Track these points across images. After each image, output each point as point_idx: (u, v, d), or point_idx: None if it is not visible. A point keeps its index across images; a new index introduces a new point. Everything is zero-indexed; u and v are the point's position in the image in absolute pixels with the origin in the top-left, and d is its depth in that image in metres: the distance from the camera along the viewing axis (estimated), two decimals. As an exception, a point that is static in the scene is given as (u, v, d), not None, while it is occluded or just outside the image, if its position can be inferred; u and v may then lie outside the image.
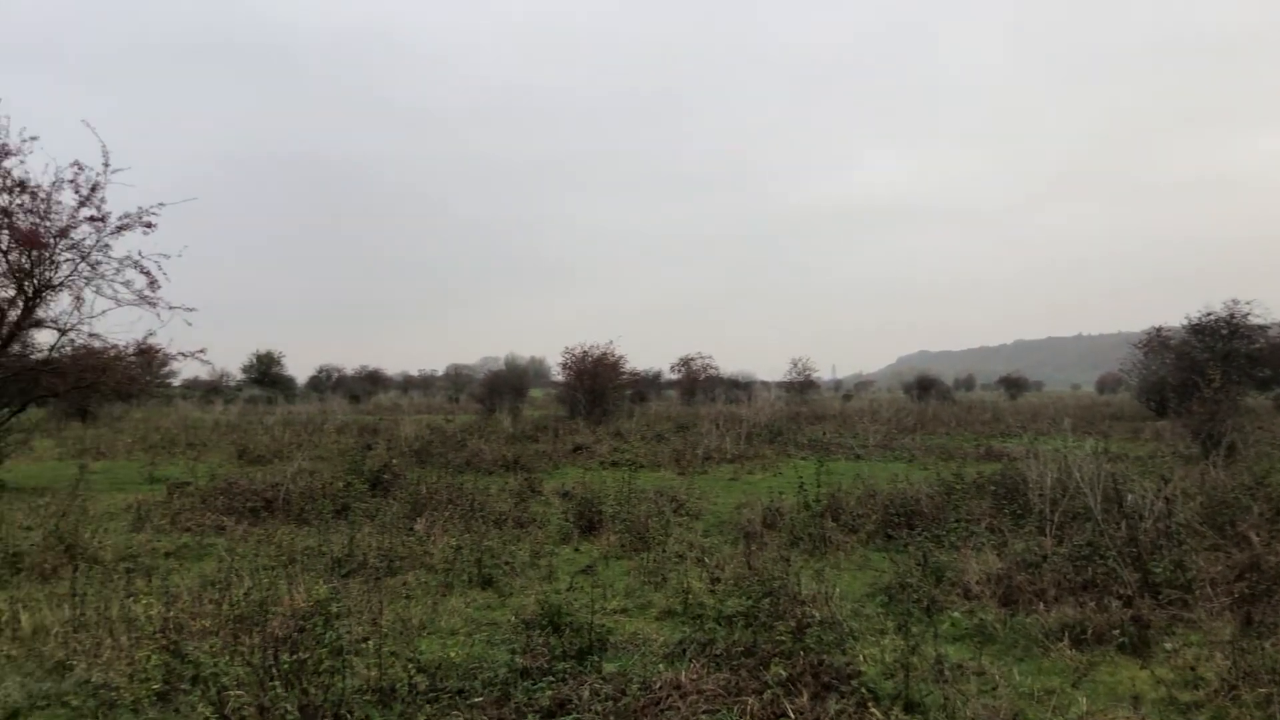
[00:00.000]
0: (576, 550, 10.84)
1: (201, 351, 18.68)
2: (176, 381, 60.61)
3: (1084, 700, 5.61)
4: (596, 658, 6.45)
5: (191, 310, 17.65)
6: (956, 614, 7.64)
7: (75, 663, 6.22)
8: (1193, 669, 5.98)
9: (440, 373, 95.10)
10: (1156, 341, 35.23)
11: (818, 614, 7.08)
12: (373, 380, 76.41)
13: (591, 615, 7.00)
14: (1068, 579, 8.15)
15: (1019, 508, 11.08)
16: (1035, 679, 6.13)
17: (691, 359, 54.87)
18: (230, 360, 72.01)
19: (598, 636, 6.79)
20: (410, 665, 5.83)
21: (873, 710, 5.40)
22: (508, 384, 47.29)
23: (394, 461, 16.73)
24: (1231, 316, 32.07)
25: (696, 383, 54.61)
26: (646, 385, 54.50)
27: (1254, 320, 31.89)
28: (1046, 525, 10.11)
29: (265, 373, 66.56)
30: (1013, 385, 76.69)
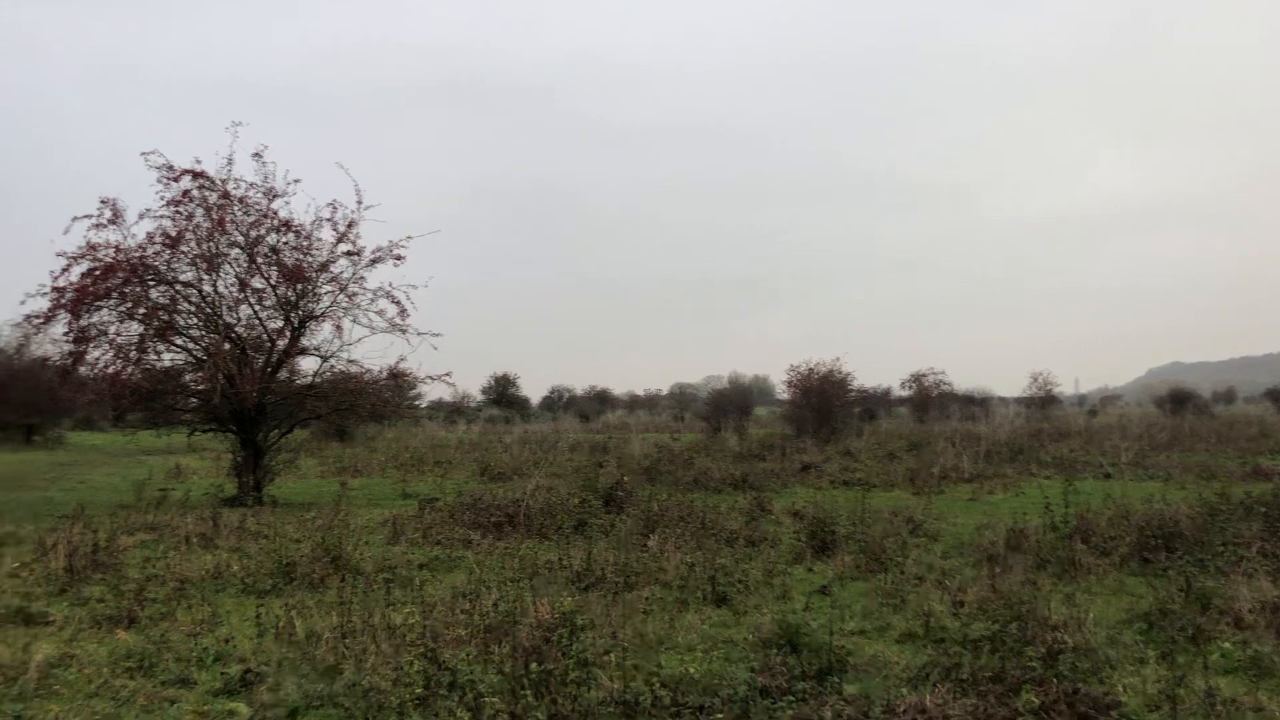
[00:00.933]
0: (810, 570, 10.74)
1: (448, 375, 19.92)
2: (423, 403, 64.28)
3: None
4: (836, 679, 6.38)
5: (438, 336, 18.80)
6: (1227, 644, 7.07)
7: (344, 666, 6.69)
8: None
9: (665, 392, 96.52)
10: None
11: (1070, 640, 6.74)
12: (601, 400, 78.51)
13: (830, 636, 6.92)
14: (1359, 610, 7.40)
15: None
16: (1324, 719, 5.59)
17: (923, 375, 53.47)
18: (470, 382, 75.69)
19: (836, 657, 6.71)
20: (653, 679, 5.95)
21: (1137, 744, 5.09)
22: (732, 402, 47.51)
23: (625, 479, 17.13)
24: None
25: (929, 399, 53.06)
26: (875, 402, 53.38)
27: None
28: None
29: (503, 394, 69.69)
30: (1281, 398, 70.15)
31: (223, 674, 6.69)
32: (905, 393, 54.97)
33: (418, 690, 5.66)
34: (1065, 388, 71.87)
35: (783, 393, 43.23)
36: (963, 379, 77.32)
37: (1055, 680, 5.84)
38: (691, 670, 6.58)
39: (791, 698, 5.98)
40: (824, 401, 36.72)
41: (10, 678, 6.45)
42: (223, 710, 5.99)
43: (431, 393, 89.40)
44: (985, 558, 10.59)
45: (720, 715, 5.63)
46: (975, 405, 57.80)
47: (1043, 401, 58.35)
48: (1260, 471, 19.88)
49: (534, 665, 5.82)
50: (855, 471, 22.35)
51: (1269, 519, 10.99)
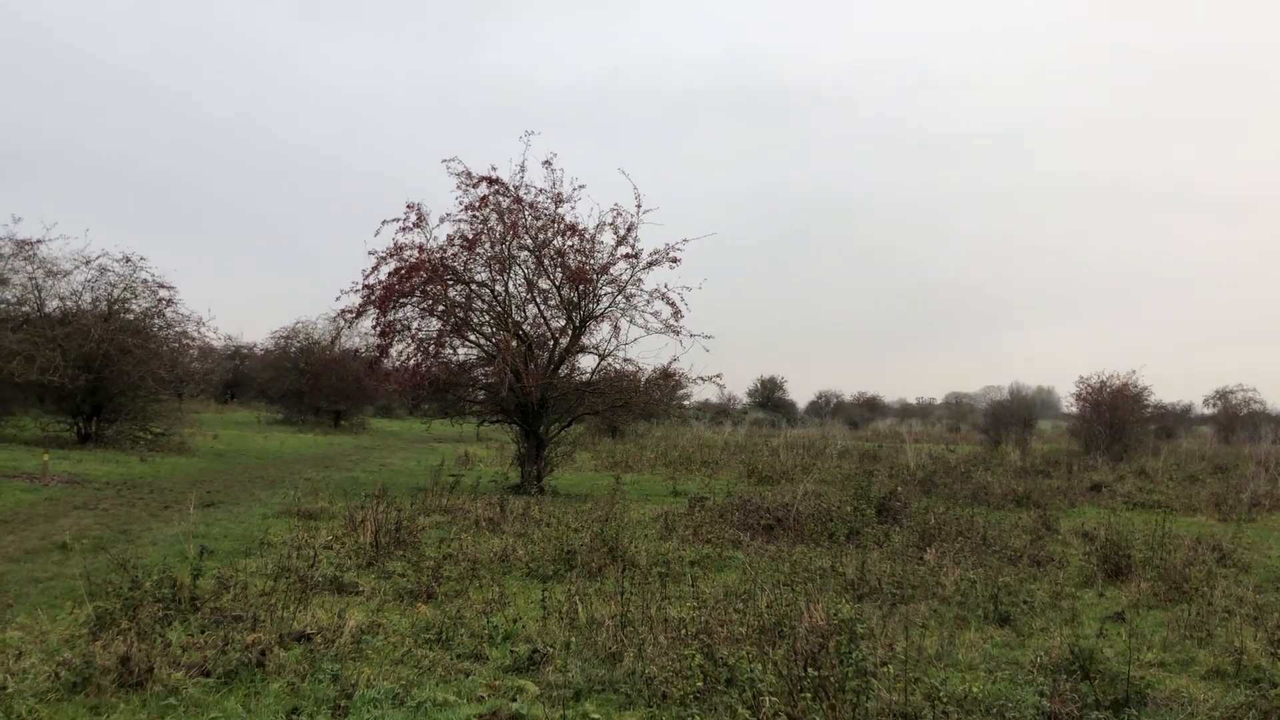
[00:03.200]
0: (1101, 595, 10.08)
1: (718, 376, 20.10)
2: (689, 402, 65.41)
3: None
4: (1134, 711, 5.95)
5: (709, 338, 19.06)
6: None
7: (625, 654, 6.91)
8: None
9: (939, 400, 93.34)
10: None
11: None
12: (870, 407, 77.04)
13: (1127, 665, 6.47)
14: None
15: None
16: None
17: (1230, 391, 48.89)
18: (737, 384, 76.32)
19: (1135, 689, 6.26)
20: (935, 694, 5.77)
21: None
22: (1014, 414, 45.27)
23: (899, 489, 16.71)
24: None
25: (1236, 418, 48.44)
26: (1174, 420, 49.37)
27: None
28: None
29: (769, 397, 69.80)
30: None
31: (512, 652, 7.07)
32: (1209, 410, 50.54)
33: (697, 683, 5.76)
34: None
35: (1069, 406, 40.82)
36: (1278, 397, 70.03)
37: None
38: (974, 690, 6.33)
39: (1085, 728, 5.64)
40: (1116, 416, 34.32)
41: (329, 639, 7.10)
42: (513, 686, 6.33)
43: (699, 393, 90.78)
44: (1310, 595, 9.56)
45: (1006, 739, 5.38)
46: (1292, 426, 52.28)
47: (1375, 424, 51.93)
48: None
49: (811, 670, 5.79)
50: (1152, 493, 20.75)
51: None
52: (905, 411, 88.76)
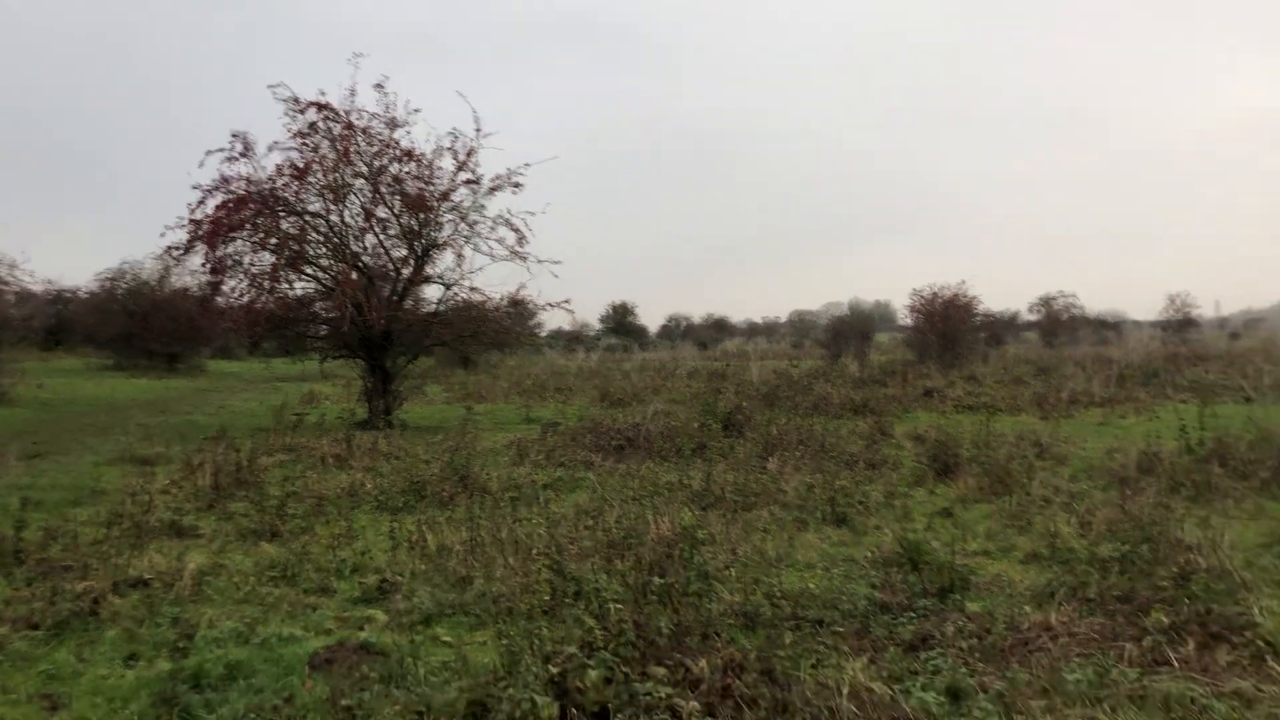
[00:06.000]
0: (932, 493, 10.64)
1: (567, 302, 20.08)
2: (543, 332, 65.20)
3: None
4: (958, 596, 6.36)
5: (557, 264, 19.00)
6: (1377, 569, 6.78)
7: (475, 577, 6.96)
8: None
9: (783, 319, 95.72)
10: None
11: (1203, 562, 6.53)
12: (719, 328, 78.41)
13: (952, 555, 6.87)
14: None
15: None
16: None
17: (1052, 298, 51.69)
18: (588, 311, 76.39)
19: (959, 576, 6.67)
20: (773, 593, 6.02)
21: (1272, 664, 4.94)
22: (853, 328, 46.78)
23: (744, 404, 17.16)
24: None
25: (1058, 324, 51.34)
26: (1002, 327, 51.91)
27: None
28: None
29: (620, 322, 70.17)
30: None
31: (360, 584, 7.03)
32: (1033, 317, 53.37)
33: (545, 597, 5.85)
34: (1205, 310, 68.41)
35: (905, 318, 42.43)
36: (1095, 302, 74.40)
37: (1187, 601, 5.70)
38: (811, 586, 6.64)
39: (912, 614, 5.99)
40: (948, 326, 35.86)
41: (167, 584, 6.90)
42: (362, 616, 6.31)
43: (550, 321, 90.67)
44: (1115, 481, 10.32)
45: (840, 628, 5.67)
46: (1108, 329, 55.84)
47: (1180, 324, 55.81)
48: None
49: (657, 578, 5.95)
50: (980, 396, 21.89)
51: None
52: (752, 331, 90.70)
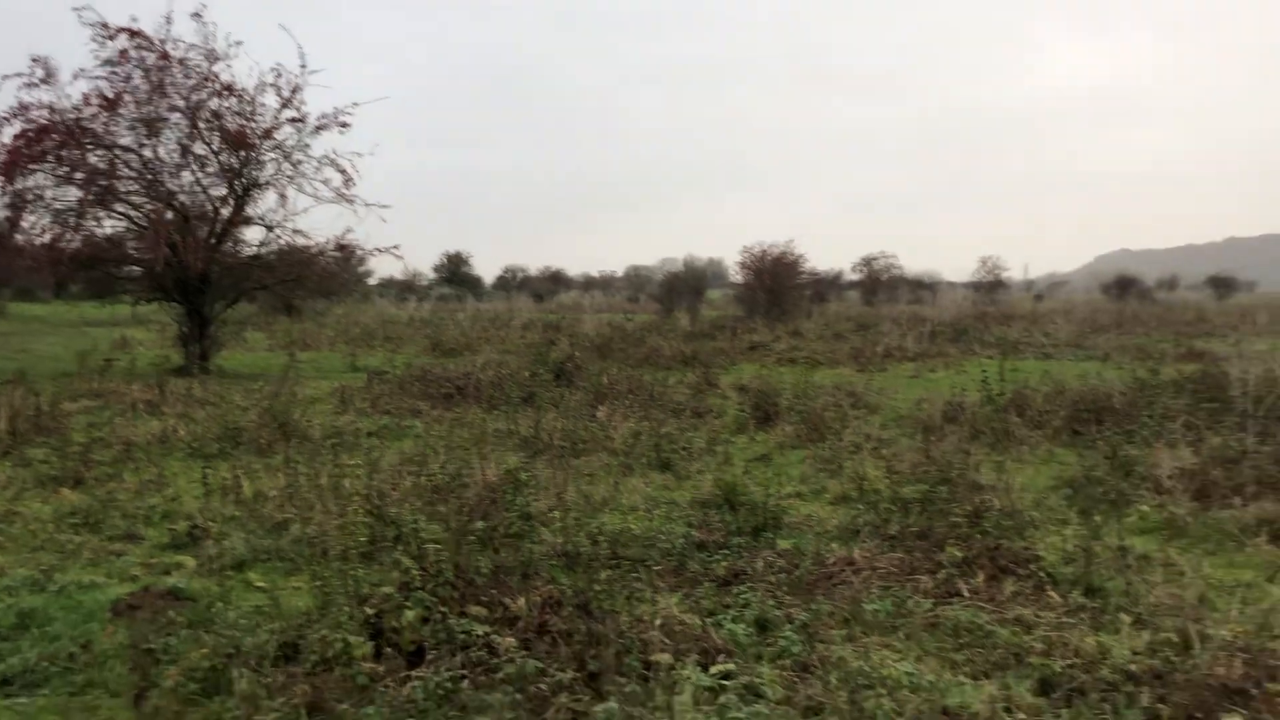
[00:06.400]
0: (752, 440, 10.98)
1: (395, 247, 19.67)
2: (373, 280, 63.50)
3: (1277, 593, 5.37)
4: (771, 535, 6.62)
5: (386, 208, 18.55)
6: (1145, 507, 7.42)
7: (291, 523, 6.81)
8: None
9: (620, 274, 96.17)
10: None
11: (997, 502, 7.01)
12: (555, 280, 78.16)
13: (766, 496, 7.14)
14: (1270, 476, 7.75)
15: (1219, 405, 10.53)
16: (1226, 572, 5.93)
17: (874, 258, 53.66)
18: (422, 260, 74.94)
19: (772, 516, 6.95)
20: (595, 534, 6.13)
21: (1050, 593, 5.36)
22: (686, 284, 47.49)
23: (576, 355, 17.24)
24: None
25: (879, 283, 53.45)
26: (827, 286, 53.57)
27: None
28: (1248, 422, 9.57)
29: (455, 272, 69.03)
30: (1221, 285, 71.32)
31: (170, 530, 6.79)
32: (856, 277, 55.34)
33: (362, 537, 5.78)
34: (1014, 273, 72.38)
35: (737, 275, 43.27)
36: (914, 263, 77.77)
37: (979, 537, 6.11)
38: (633, 527, 6.78)
39: (727, 551, 6.21)
40: (775, 283, 36.84)
41: (-46, 532, 6.49)
42: (170, 562, 6.10)
43: (381, 269, 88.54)
44: (922, 428, 10.89)
45: (658, 566, 5.83)
46: (924, 289, 58.46)
47: (991, 286, 59.05)
48: (1193, 353, 20.40)
49: (479, 522, 5.97)
50: (802, 350, 22.63)
51: (1195, 395, 11.37)
52: (589, 285, 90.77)
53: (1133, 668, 4.26)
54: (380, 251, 19.37)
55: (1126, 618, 4.92)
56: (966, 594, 5.38)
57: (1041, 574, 5.66)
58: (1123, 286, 59.50)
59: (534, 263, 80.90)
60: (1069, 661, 4.41)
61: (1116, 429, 9.98)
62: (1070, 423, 10.94)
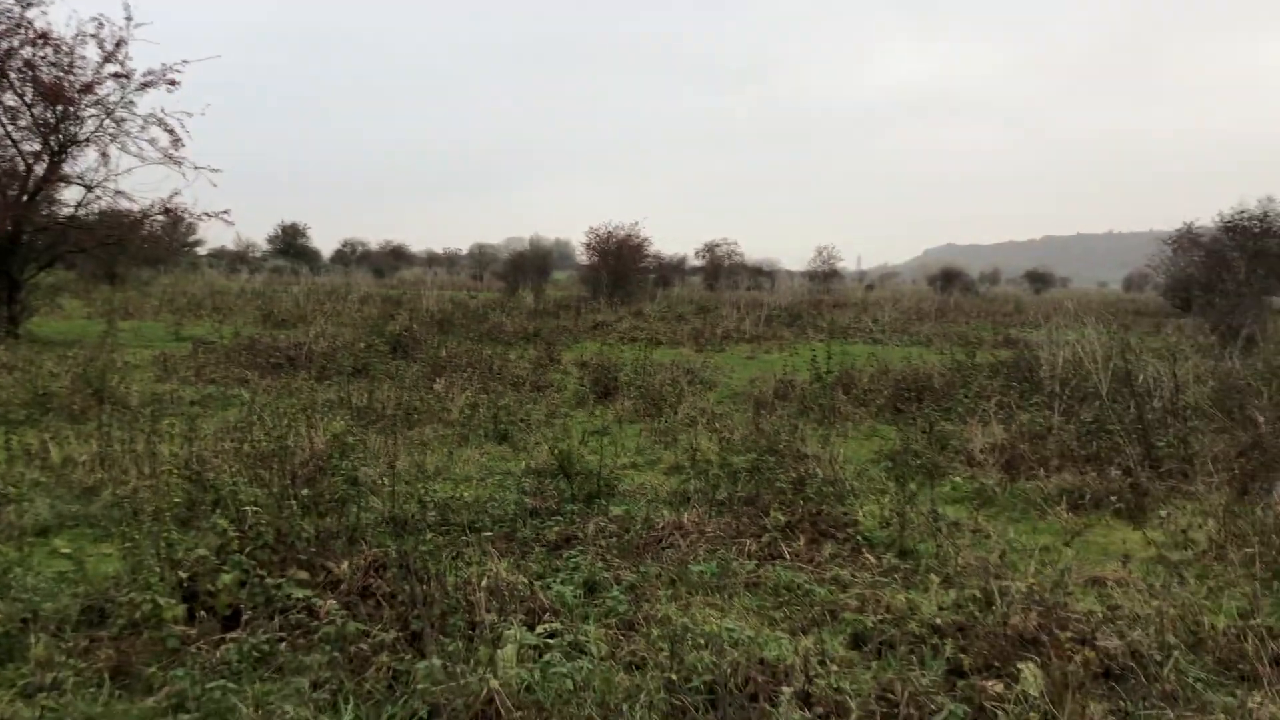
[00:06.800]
0: (592, 414, 11.04)
1: (226, 212, 18.67)
2: (203, 250, 60.78)
3: (1072, 554, 5.75)
4: (604, 502, 6.68)
5: (216, 171, 17.76)
6: (958, 478, 7.82)
7: (103, 489, 6.48)
8: (1184, 532, 6.09)
9: (465, 251, 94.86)
10: (1186, 239, 34.57)
11: (820, 472, 7.26)
12: (397, 256, 76.57)
13: (601, 465, 7.19)
14: (1072, 451, 8.29)
15: (1029, 386, 11.18)
16: (1030, 537, 6.30)
17: (716, 245, 54.59)
18: (256, 231, 72.13)
19: (606, 484, 7.01)
20: (423, 500, 6.06)
21: (866, 555, 5.60)
22: (531, 264, 47.26)
23: (415, 328, 16.94)
24: (1265, 215, 31.35)
25: (720, 269, 54.43)
26: (670, 270, 54.25)
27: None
28: (1055, 402, 10.19)
29: (290, 244, 66.71)
30: (1038, 280, 75.95)
31: (-34, 497, 6.36)
32: (699, 262, 56.20)
33: (177, 501, 5.54)
34: (848, 264, 75.18)
35: (583, 256, 43.30)
36: (755, 251, 79.51)
37: (802, 503, 6.32)
38: (465, 495, 6.73)
39: (560, 518, 6.24)
40: (620, 265, 37.01)
41: None
42: (-35, 529, 5.71)
43: (213, 239, 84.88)
44: (754, 404, 11.17)
45: (488, 533, 5.80)
46: (763, 276, 59.90)
47: (825, 275, 61.03)
48: (1009, 341, 21.56)
49: (305, 490, 5.81)
50: (644, 330, 22.87)
51: (1008, 377, 12.04)
52: (432, 261, 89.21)
53: (939, 622, 4.50)
54: (210, 216, 18.41)
55: (935, 577, 5.19)
56: (788, 556, 5.56)
57: (859, 538, 5.91)
58: (948, 279, 62.41)
59: (375, 237, 79.05)
60: (880, 617, 4.62)
61: (935, 407, 10.50)
62: (893, 401, 11.43)
